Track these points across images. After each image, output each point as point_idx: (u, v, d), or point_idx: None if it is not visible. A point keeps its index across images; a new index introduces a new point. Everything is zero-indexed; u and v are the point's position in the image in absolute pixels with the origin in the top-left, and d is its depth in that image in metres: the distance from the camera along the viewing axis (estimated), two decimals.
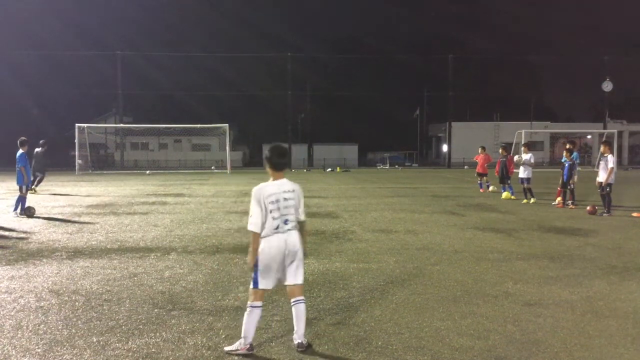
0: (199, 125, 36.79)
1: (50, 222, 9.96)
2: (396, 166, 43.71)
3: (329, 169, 37.14)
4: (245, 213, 11.25)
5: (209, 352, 3.63)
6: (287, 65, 39.84)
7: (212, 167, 36.74)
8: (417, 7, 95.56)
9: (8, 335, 3.95)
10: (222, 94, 61.74)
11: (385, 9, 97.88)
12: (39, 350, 3.66)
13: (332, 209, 11.97)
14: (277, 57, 41.84)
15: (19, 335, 3.93)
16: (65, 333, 4.00)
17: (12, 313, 4.47)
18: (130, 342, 3.81)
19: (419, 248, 7.22)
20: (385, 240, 7.88)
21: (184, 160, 52.81)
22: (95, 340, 3.85)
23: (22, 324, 4.19)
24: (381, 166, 44.36)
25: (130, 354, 3.60)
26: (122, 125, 41.15)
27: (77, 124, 31.46)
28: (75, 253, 7.00)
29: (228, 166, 31.62)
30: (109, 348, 3.70)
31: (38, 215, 10.71)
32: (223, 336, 3.93)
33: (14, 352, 3.61)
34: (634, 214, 10.46)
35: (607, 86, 35.77)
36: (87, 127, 33.16)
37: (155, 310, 4.57)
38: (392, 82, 72.45)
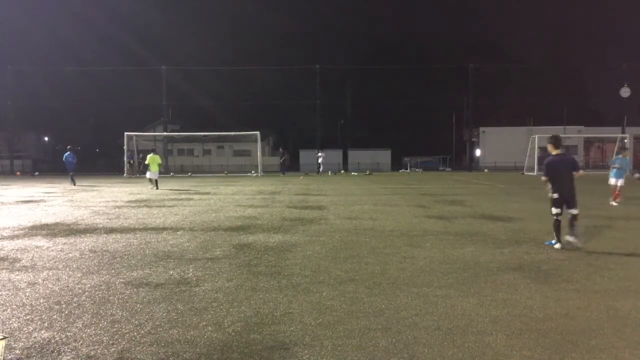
0: (232, 133, 39.75)
1: (96, 212, 12.64)
2: (416, 169, 45.89)
3: (354, 173, 39.27)
4: (252, 206, 13.63)
5: (179, 278, 5.92)
6: (317, 77, 42.34)
7: (252, 172, 39.15)
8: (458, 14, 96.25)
9: (62, 269, 6.39)
10: (262, 104, 65.02)
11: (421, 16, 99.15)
12: (79, 274, 6.06)
13: (324, 203, 14.17)
14: (308, 69, 44.22)
15: (67, 269, 6.37)
16: (96, 268, 6.39)
17: (64, 260, 6.94)
18: (134, 273, 6.15)
19: (366, 229, 9.31)
20: (346, 224, 10.00)
21: (226, 165, 55.93)
22: (113, 271, 6.22)
23: (69, 264, 6.64)
24: (403, 170, 46.48)
25: (131, 277, 5.94)
26: (164, 133, 44.71)
27: (125, 133, 35.02)
28: (111, 231, 9.49)
29: (259, 170, 34.34)
30: (120, 274, 6.06)
31: (87, 207, 13.47)
32: (190, 273, 6.19)
33: (65, 276, 6.02)
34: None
35: (626, 92, 36.29)
36: (135, 135, 36.66)
37: (156, 259, 6.91)
38: (429, 89, 74.04)
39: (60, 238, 8.62)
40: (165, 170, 42.87)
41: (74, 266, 6.48)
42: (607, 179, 13.73)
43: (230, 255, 7.05)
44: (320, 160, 38.17)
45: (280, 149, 38.35)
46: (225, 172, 40.01)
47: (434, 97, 75.28)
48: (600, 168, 38.67)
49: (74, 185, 23.72)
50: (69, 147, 24.68)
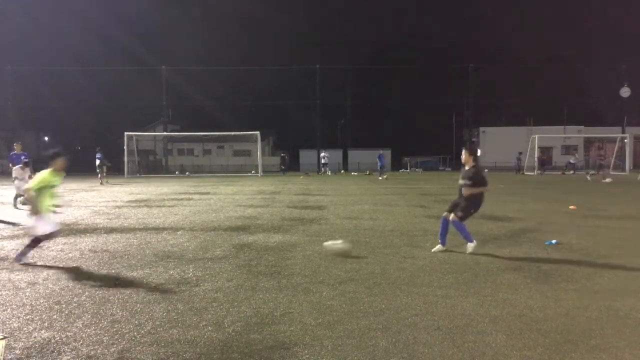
0: (232, 133, 39.75)
1: (96, 212, 12.64)
2: (416, 169, 46.26)
3: (354, 173, 39.34)
4: (251, 207, 13.64)
5: (179, 278, 5.92)
6: (317, 77, 42.40)
7: (252, 172, 39.07)
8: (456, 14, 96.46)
9: (62, 269, 6.40)
10: (262, 104, 64.84)
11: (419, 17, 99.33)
12: (79, 274, 6.06)
13: (324, 203, 14.17)
14: (308, 69, 44.24)
15: (67, 269, 6.38)
16: (96, 268, 6.40)
17: (65, 260, 6.94)
18: (134, 273, 6.15)
19: (366, 229, 9.31)
20: (346, 224, 10.00)
21: (226, 165, 55.96)
22: (113, 271, 6.23)
23: (69, 264, 6.64)
24: (403, 170, 46.76)
25: (131, 277, 5.94)
26: (163, 133, 44.73)
27: (125, 133, 35.02)
28: (111, 231, 9.49)
29: (259, 170, 34.36)
30: (120, 274, 6.06)
31: (87, 207, 13.47)
32: (190, 273, 6.19)
33: (65, 276, 6.02)
34: (571, 207, 12.10)
35: (626, 92, 36.36)
36: (135, 135, 36.69)
37: (156, 259, 6.90)
38: (429, 89, 74.02)
39: (60, 238, 8.61)
40: (166, 170, 42.85)
41: (74, 266, 6.48)
42: (606, 179, 13.71)
43: (230, 255, 7.05)
44: (324, 160, 38.11)
45: (282, 155, 38.90)
46: (208, 174, 39.89)
47: (434, 97, 75.19)
48: (599, 168, 38.54)
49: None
50: (98, 148, 26.76)
